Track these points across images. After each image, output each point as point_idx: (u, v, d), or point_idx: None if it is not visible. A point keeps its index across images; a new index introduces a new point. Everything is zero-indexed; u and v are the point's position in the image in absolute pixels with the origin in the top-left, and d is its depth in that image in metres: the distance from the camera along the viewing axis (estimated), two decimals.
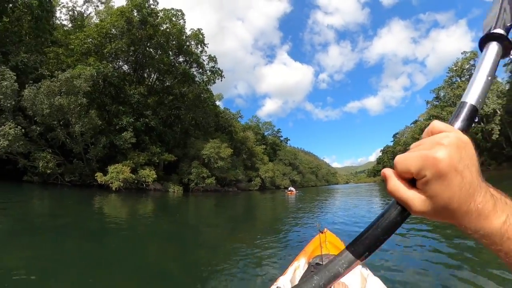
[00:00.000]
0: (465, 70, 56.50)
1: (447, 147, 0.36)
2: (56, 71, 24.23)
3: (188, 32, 38.08)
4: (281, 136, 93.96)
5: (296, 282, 2.45)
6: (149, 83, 38.81)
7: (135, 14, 30.75)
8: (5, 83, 20.06)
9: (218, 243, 7.55)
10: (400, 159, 0.40)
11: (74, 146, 24.21)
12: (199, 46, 39.69)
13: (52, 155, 22.89)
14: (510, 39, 0.47)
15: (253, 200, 27.39)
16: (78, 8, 39.83)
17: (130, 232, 8.46)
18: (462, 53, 58.56)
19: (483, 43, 0.49)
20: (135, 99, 31.79)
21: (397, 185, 0.40)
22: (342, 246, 3.38)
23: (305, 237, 6.11)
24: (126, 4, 30.44)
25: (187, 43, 38.43)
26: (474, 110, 0.45)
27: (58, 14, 38.70)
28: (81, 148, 24.83)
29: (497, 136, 46.71)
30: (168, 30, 34.36)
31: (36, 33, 28.37)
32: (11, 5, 27.39)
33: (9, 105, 20.24)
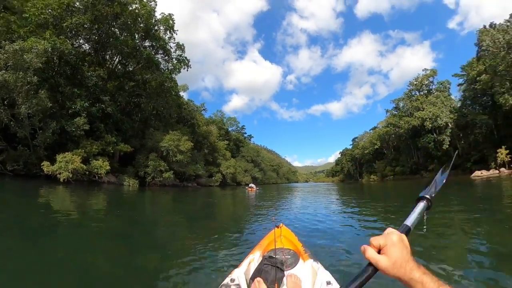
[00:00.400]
0: (424, 86, 61.20)
1: (397, 234, 0.77)
2: (3, 41, 21.11)
3: (158, 16, 35.81)
4: (245, 133, 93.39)
5: (251, 274, 2.56)
6: (110, 66, 35.91)
7: None
8: None
9: (171, 240, 7.13)
10: (374, 238, 0.78)
11: (19, 130, 21.31)
12: (167, 32, 37.49)
13: None
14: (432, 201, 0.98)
15: (212, 196, 26.90)
16: None
17: (74, 230, 7.59)
18: (423, 70, 63.63)
19: (419, 199, 0.95)
20: (92, 82, 29.06)
21: (372, 253, 0.75)
22: (296, 241, 3.45)
23: (263, 232, 5.93)
24: None
25: (156, 28, 36.12)
26: (408, 229, 0.85)
27: None
28: (27, 133, 21.97)
29: (447, 146, 51.41)
30: (137, 11, 31.87)
31: None
32: None
33: None
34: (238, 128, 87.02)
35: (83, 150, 25.98)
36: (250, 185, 40.90)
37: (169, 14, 36.36)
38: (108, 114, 30.66)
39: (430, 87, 60.73)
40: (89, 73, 28.98)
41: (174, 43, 38.90)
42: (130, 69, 37.07)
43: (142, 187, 32.55)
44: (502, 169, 38.10)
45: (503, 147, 38.71)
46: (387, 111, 73.82)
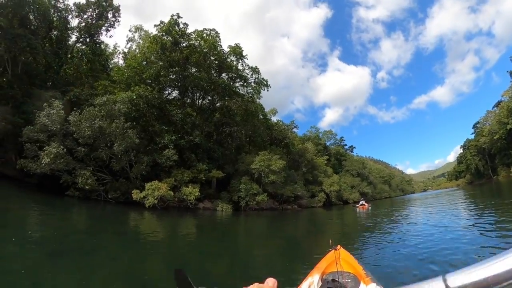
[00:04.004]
0: None
1: None
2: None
3: (227, 49, 38.59)
4: (346, 145, 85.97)
5: None
6: (197, 104, 40.05)
7: (167, 38, 32.39)
8: (53, 111, 22.68)
9: (235, 262, 7.60)
10: None
11: (115, 165, 25.64)
12: (240, 60, 39.81)
13: (94, 173, 24.70)
14: None
15: (313, 219, 24.79)
16: (124, 48, 46.08)
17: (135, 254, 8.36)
18: None
19: None
20: (178, 118, 32.73)
21: None
22: (356, 264, 3.45)
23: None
24: (156, 31, 32.52)
25: (228, 59, 38.86)
26: None
27: (116, 60, 45.26)
28: (122, 166, 26.30)
29: None
30: (204, 50, 35.20)
31: (90, 73, 32.51)
32: (69, 55, 32.37)
33: (55, 128, 22.97)
34: (337, 141, 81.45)
35: (173, 179, 28.67)
36: (360, 202, 36.37)
37: (236, 44, 38.83)
38: (197, 144, 33.37)
39: None
40: (174, 111, 32.79)
41: (248, 69, 40.83)
42: (214, 102, 40.33)
43: (237, 212, 32.44)
44: None
45: None
46: (511, 73, 56.02)
